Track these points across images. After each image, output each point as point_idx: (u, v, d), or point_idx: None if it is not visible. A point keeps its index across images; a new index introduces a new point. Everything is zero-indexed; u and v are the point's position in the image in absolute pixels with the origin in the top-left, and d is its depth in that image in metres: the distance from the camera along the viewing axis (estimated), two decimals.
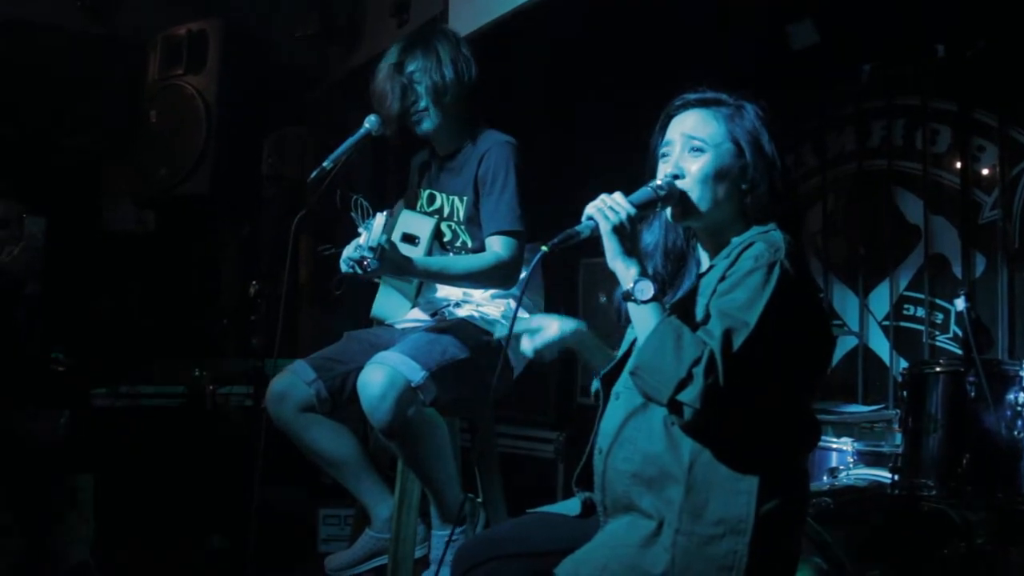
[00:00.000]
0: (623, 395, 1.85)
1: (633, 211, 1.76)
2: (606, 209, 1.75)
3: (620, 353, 1.94)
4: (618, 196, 1.78)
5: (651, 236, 1.93)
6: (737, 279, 1.69)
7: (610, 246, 1.75)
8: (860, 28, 3.94)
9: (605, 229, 1.75)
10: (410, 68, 2.69)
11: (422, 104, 2.69)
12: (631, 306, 1.73)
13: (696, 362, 1.59)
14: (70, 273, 4.44)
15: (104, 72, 4.82)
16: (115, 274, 5.00)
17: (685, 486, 1.67)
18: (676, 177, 1.83)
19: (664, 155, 1.88)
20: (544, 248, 1.77)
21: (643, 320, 1.71)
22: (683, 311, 1.76)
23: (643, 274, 1.73)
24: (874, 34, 3.96)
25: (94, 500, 3.51)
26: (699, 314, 1.73)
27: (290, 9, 4.88)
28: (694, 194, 1.81)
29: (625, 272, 1.74)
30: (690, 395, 1.58)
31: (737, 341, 1.60)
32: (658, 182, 1.81)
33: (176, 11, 4.65)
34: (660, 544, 1.67)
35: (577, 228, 1.77)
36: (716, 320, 1.64)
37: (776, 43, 3.92)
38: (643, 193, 1.80)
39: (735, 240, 1.81)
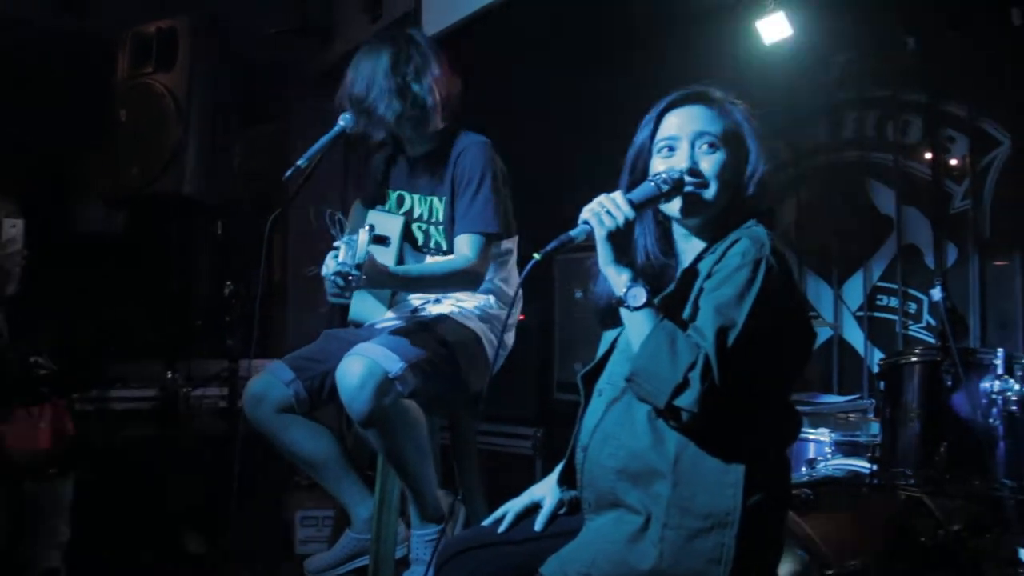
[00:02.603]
0: (605, 392, 1.85)
1: (632, 214, 1.73)
2: (603, 213, 1.73)
3: (601, 351, 1.93)
4: (618, 197, 1.75)
5: (637, 228, 1.88)
6: (725, 275, 1.69)
7: (604, 252, 1.74)
8: (832, 21, 3.96)
9: (600, 235, 1.73)
10: (373, 74, 2.64)
11: (379, 108, 2.62)
12: (624, 312, 1.73)
13: (691, 367, 1.59)
14: (39, 274, 4.38)
15: (73, 69, 4.75)
16: (85, 275, 4.94)
17: (672, 480, 1.67)
18: (692, 172, 1.79)
19: (667, 149, 1.84)
20: (536, 256, 1.74)
21: (637, 326, 1.70)
22: (671, 308, 1.75)
23: (635, 279, 1.72)
24: (845, 27, 3.99)
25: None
26: (687, 310, 1.73)
27: (262, 6, 4.83)
28: (709, 190, 1.80)
29: (617, 278, 1.73)
30: (687, 400, 1.60)
31: (730, 339, 1.61)
32: (663, 176, 1.78)
33: (146, 7, 4.59)
34: (648, 539, 1.67)
35: (571, 233, 1.74)
36: (708, 319, 1.65)
37: (750, 36, 3.94)
38: (646, 190, 1.77)
39: (723, 236, 1.81)
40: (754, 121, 1.87)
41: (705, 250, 1.82)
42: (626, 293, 1.71)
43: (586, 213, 1.74)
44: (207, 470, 3.80)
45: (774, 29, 3.77)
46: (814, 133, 4.37)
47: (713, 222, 1.84)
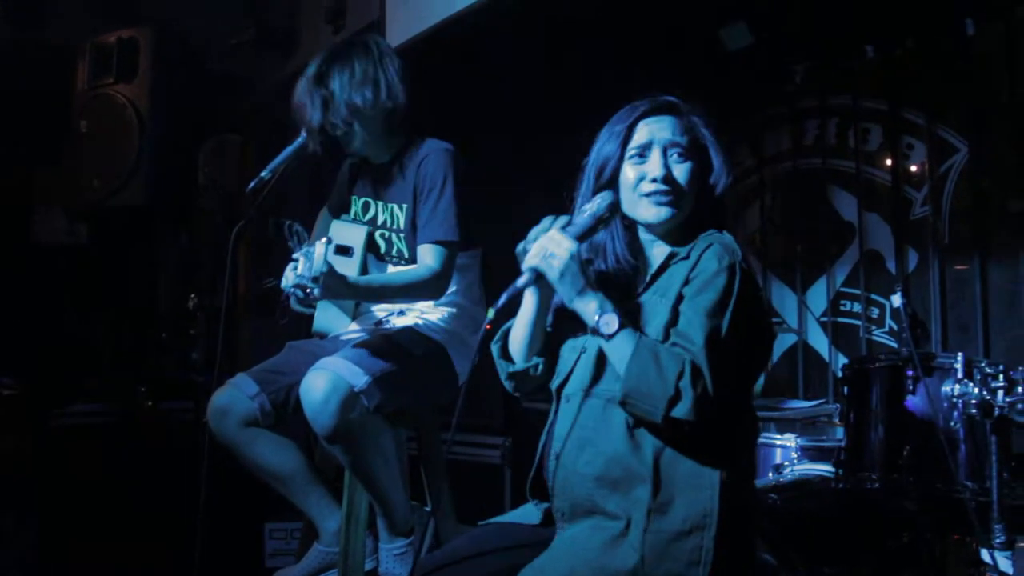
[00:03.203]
0: (573, 398, 1.85)
1: (576, 247, 1.76)
2: (547, 257, 1.76)
3: (569, 360, 1.93)
4: (555, 234, 1.78)
5: (604, 234, 1.90)
6: (705, 280, 1.73)
7: (564, 290, 1.76)
8: (793, 30, 4.01)
9: (553, 276, 1.76)
10: (331, 85, 2.65)
11: (343, 126, 2.65)
12: (601, 341, 1.74)
13: (680, 376, 1.63)
14: (1, 288, 4.32)
15: (32, 80, 4.69)
16: (48, 288, 4.87)
17: (651, 484, 1.69)
18: (666, 180, 1.83)
19: (639, 156, 1.87)
20: (490, 313, 1.76)
21: (617, 350, 1.72)
22: (644, 312, 1.79)
23: (603, 305, 1.74)
24: (806, 35, 4.04)
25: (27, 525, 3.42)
26: (661, 314, 1.76)
27: (224, 16, 4.79)
28: (683, 198, 1.85)
29: (586, 309, 1.75)
30: (683, 410, 1.63)
31: (716, 343, 1.65)
32: (593, 208, 1.82)
33: (106, 18, 4.55)
34: (628, 544, 1.68)
35: (519, 284, 1.78)
36: (695, 324, 1.69)
37: (712, 45, 3.98)
38: (582, 223, 1.81)
39: (686, 241, 1.86)
40: (719, 135, 1.92)
41: (672, 255, 1.86)
42: (598, 322, 1.73)
43: (532, 260, 1.77)
44: (174, 484, 3.76)
45: (737, 38, 3.82)
46: (776, 140, 4.41)
47: (678, 229, 1.88)
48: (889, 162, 4.03)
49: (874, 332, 4.02)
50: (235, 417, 2.59)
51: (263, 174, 2.61)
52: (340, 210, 2.87)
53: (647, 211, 1.85)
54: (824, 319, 4.18)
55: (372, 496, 2.54)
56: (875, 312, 4.03)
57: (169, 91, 4.42)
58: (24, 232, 5.13)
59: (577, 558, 1.71)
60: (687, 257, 1.82)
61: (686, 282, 1.76)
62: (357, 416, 2.39)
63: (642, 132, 1.88)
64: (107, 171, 4.38)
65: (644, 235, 1.92)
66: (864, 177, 4.09)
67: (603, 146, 1.91)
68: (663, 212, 1.84)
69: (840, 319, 4.15)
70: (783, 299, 4.34)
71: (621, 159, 1.88)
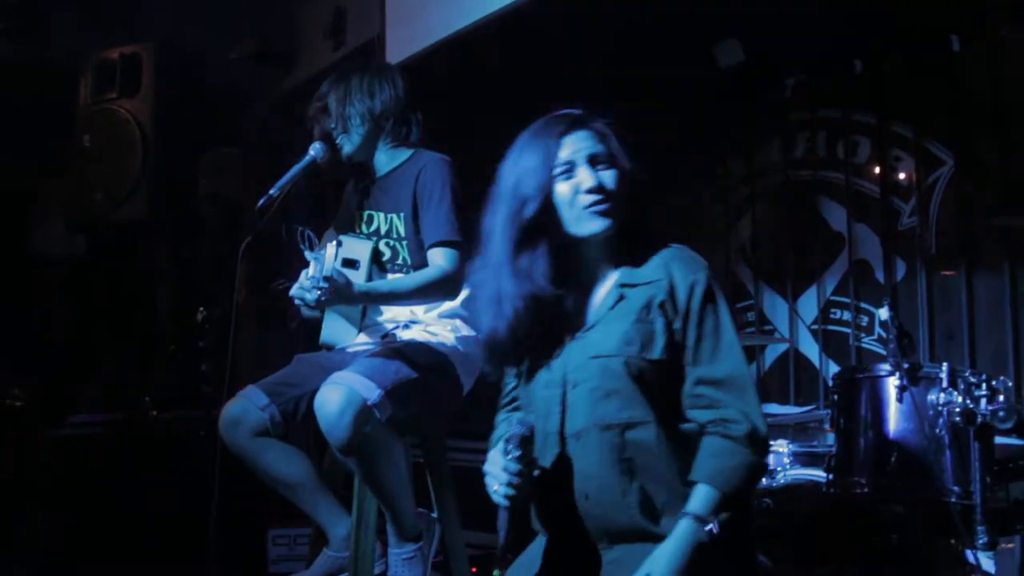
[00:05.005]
0: (585, 435, 1.82)
1: (515, 466, 1.75)
2: (504, 489, 1.76)
3: (552, 400, 1.88)
4: (491, 466, 1.80)
5: (540, 261, 1.87)
6: (699, 325, 1.81)
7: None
8: (783, 45, 4.10)
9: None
10: (332, 97, 2.81)
11: (337, 132, 2.79)
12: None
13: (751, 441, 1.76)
14: (6, 301, 4.37)
15: (35, 95, 4.75)
16: (53, 301, 4.93)
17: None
18: (600, 189, 1.84)
19: (564, 175, 1.87)
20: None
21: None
22: (599, 333, 1.84)
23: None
24: (797, 50, 4.13)
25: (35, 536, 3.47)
26: (621, 330, 1.80)
27: (225, 32, 4.86)
28: (618, 204, 1.86)
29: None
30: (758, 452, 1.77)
31: (751, 394, 1.79)
32: (518, 427, 1.78)
33: (109, 34, 4.62)
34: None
35: (503, 532, 1.81)
36: (727, 394, 1.78)
37: (704, 61, 4.07)
38: (513, 443, 1.76)
39: (633, 251, 1.89)
40: (624, 140, 1.94)
41: (620, 265, 1.89)
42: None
43: (497, 498, 1.79)
44: (182, 494, 3.81)
45: (728, 55, 3.92)
46: (767, 152, 4.50)
47: (618, 238, 1.89)
48: (878, 173, 4.12)
49: (863, 340, 4.10)
50: (246, 427, 2.65)
51: (271, 191, 2.66)
52: (346, 227, 2.95)
53: (590, 224, 1.84)
54: (815, 327, 4.26)
55: (382, 503, 2.61)
56: (864, 320, 4.11)
57: (171, 106, 4.48)
58: (28, 245, 5.18)
59: None
60: (649, 269, 1.85)
61: (662, 304, 1.81)
62: (371, 429, 2.46)
63: (564, 150, 1.87)
64: (110, 185, 4.45)
65: (587, 252, 1.90)
66: (853, 188, 4.18)
67: (521, 161, 1.90)
68: (604, 222, 1.84)
69: (830, 327, 4.23)
70: (774, 307, 4.42)
71: (549, 175, 1.87)
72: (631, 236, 1.90)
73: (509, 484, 1.75)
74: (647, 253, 1.88)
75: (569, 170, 1.86)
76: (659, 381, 1.79)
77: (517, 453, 1.74)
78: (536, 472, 1.81)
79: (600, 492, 1.78)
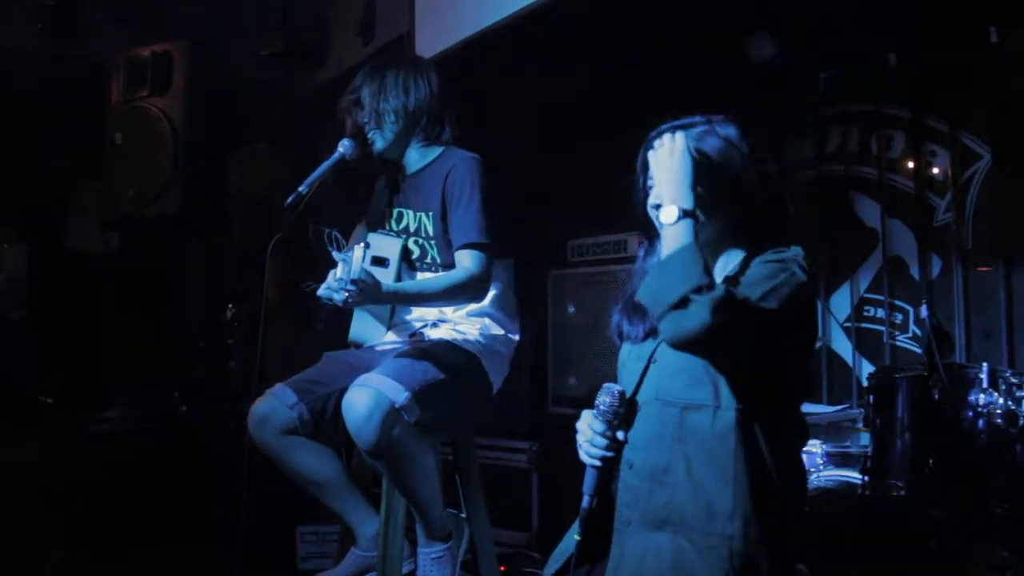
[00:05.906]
0: (648, 406, 1.86)
1: (602, 427, 1.84)
2: (589, 448, 1.85)
3: (635, 372, 1.93)
4: (583, 424, 1.88)
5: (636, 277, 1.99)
6: (760, 269, 1.81)
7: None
8: (815, 38, 4.05)
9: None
10: (365, 91, 2.80)
11: (369, 128, 2.78)
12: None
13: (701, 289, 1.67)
14: (42, 298, 4.42)
15: (67, 94, 4.80)
16: (85, 298, 4.97)
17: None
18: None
19: (652, 187, 1.93)
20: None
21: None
22: None
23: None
24: (829, 43, 4.07)
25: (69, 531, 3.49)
26: None
27: (255, 28, 4.88)
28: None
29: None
30: (697, 319, 1.64)
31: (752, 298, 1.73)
32: (608, 392, 1.86)
33: (141, 33, 4.65)
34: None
35: (587, 496, 1.85)
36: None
37: (736, 55, 4.02)
38: (606, 409, 1.85)
39: (742, 246, 1.93)
40: (737, 135, 2.01)
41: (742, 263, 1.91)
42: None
43: (583, 455, 1.88)
44: (212, 492, 3.84)
45: (760, 49, 3.87)
46: (800, 148, 4.44)
47: (718, 240, 1.93)
48: (912, 168, 4.06)
49: (898, 338, 4.04)
50: (275, 425, 2.67)
51: (300, 188, 2.66)
52: (376, 224, 2.94)
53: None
54: (848, 324, 4.21)
55: (410, 503, 2.61)
56: (899, 318, 4.05)
57: (202, 103, 4.51)
58: (61, 243, 5.24)
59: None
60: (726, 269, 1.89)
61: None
62: (399, 432, 2.45)
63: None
64: (142, 182, 4.48)
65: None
66: (887, 184, 4.12)
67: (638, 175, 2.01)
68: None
69: (864, 324, 4.17)
70: None
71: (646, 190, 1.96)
72: (724, 242, 1.95)
73: (594, 444, 1.84)
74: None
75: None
76: (732, 369, 1.76)
77: (611, 414, 1.83)
78: (622, 436, 1.85)
79: (644, 463, 1.80)
